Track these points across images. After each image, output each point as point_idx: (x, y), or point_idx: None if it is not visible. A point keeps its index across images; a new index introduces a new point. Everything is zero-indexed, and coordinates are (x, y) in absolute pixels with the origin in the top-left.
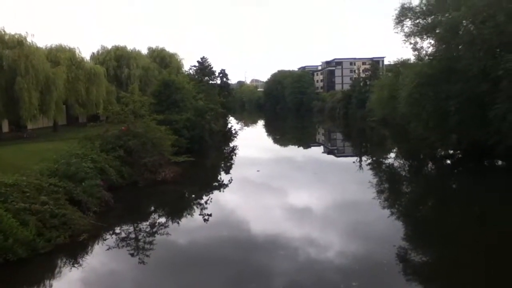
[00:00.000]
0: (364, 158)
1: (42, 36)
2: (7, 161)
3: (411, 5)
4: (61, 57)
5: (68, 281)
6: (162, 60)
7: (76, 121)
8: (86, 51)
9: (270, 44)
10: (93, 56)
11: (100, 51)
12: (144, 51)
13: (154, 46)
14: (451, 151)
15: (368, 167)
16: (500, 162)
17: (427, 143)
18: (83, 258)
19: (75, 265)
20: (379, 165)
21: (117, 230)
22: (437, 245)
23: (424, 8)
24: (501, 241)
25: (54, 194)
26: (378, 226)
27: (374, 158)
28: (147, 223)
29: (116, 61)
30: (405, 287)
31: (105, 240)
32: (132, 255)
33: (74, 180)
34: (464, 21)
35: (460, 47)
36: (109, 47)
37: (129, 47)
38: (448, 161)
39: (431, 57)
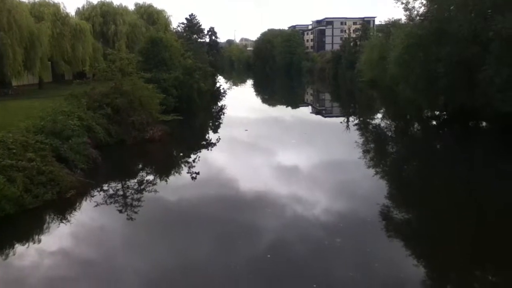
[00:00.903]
0: (351, 119)
1: None
2: None
3: None
4: (45, 12)
5: (57, 236)
6: (150, 16)
7: (62, 78)
8: (71, 6)
9: (260, 1)
10: (78, 12)
11: (85, 7)
12: (131, 7)
13: (141, 2)
14: (437, 113)
15: (355, 127)
16: (484, 124)
17: (414, 104)
18: (71, 214)
19: (63, 221)
20: (366, 126)
21: (105, 187)
22: (419, 204)
23: None
24: (481, 201)
25: (41, 151)
26: (363, 185)
27: (361, 119)
28: (135, 180)
29: (102, 17)
30: (387, 244)
31: (93, 197)
32: (120, 211)
33: (61, 137)
34: None
35: (451, 8)
36: (95, 2)
37: (116, 2)
38: (434, 123)
39: (422, 18)
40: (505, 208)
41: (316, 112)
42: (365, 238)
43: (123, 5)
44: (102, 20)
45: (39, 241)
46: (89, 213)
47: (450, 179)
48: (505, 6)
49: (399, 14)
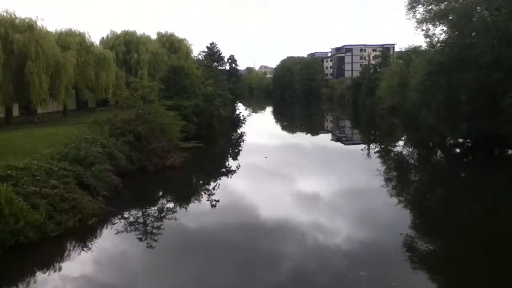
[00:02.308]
0: (372, 146)
1: (52, 20)
2: (17, 145)
3: None
4: (71, 41)
5: (78, 264)
6: (171, 45)
7: (86, 105)
8: (95, 35)
9: (279, 30)
10: (102, 41)
11: (109, 36)
12: (153, 36)
13: (163, 31)
14: (461, 140)
15: (377, 155)
16: (510, 152)
17: (437, 131)
18: (92, 242)
19: (84, 249)
20: (387, 153)
21: (126, 214)
22: (443, 235)
23: None
24: (509, 233)
25: (64, 178)
26: (386, 214)
27: (382, 146)
28: (156, 208)
29: (125, 46)
30: (412, 277)
31: (114, 224)
32: (140, 239)
33: (84, 164)
34: (478, 8)
35: (473, 34)
36: (119, 32)
37: (139, 32)
38: (458, 150)
39: (443, 45)
40: None
41: (336, 139)
42: (389, 271)
43: (146, 34)
44: (125, 49)
45: (60, 268)
46: (110, 240)
47: (475, 211)
48: None
49: (419, 41)
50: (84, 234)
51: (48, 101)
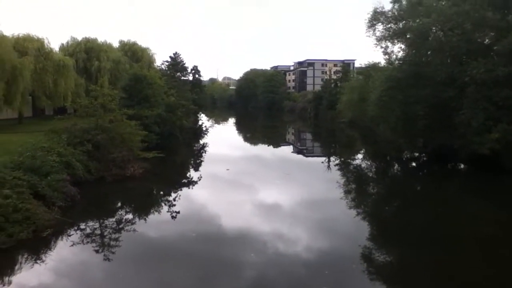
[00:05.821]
0: (332, 159)
1: (9, 24)
2: None
3: (383, 10)
4: (29, 47)
5: (30, 277)
6: (134, 54)
7: (43, 113)
8: (55, 42)
9: (243, 42)
10: (62, 47)
11: (69, 43)
12: (115, 44)
13: (125, 40)
14: (417, 154)
15: (336, 167)
16: (462, 166)
17: (394, 145)
18: (46, 254)
19: (38, 261)
20: (347, 166)
21: (83, 226)
22: (400, 245)
23: (396, 13)
24: (460, 241)
25: (18, 187)
26: (345, 225)
27: (342, 159)
28: (114, 219)
29: (86, 53)
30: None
31: (69, 236)
32: (97, 251)
33: (39, 173)
34: (433, 28)
35: (429, 52)
36: (79, 38)
37: (100, 39)
38: (414, 164)
39: (401, 62)
40: (481, 244)
41: (298, 151)
42: (350, 284)
43: (108, 42)
44: (86, 56)
45: (10, 282)
46: (65, 252)
47: (430, 221)
48: (478, 52)
49: (379, 58)
50: (38, 246)
51: (3, 108)
